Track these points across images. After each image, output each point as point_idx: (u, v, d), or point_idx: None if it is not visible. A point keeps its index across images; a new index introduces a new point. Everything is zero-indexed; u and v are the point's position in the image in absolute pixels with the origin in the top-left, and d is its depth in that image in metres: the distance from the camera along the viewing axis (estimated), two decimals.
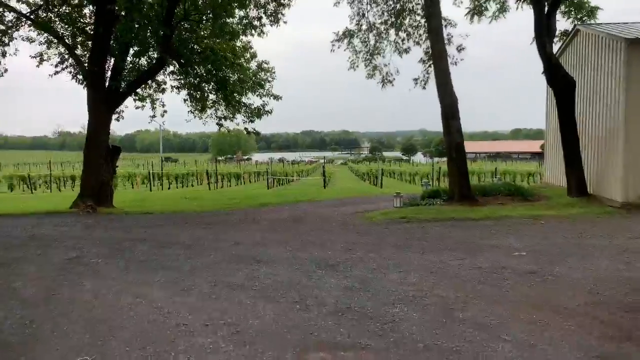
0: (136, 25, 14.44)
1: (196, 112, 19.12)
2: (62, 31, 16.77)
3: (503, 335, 4.48)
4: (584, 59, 15.21)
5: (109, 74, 16.53)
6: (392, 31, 17.40)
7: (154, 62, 16.67)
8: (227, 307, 5.34)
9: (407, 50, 17.80)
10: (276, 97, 19.16)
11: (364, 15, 18.12)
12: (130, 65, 17.30)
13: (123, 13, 15.30)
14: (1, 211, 15.00)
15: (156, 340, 4.49)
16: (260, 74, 19.00)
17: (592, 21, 16.49)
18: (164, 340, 4.49)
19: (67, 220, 12.45)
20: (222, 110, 19.33)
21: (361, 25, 18.15)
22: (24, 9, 16.28)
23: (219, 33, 15.75)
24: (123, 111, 18.29)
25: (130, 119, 22.12)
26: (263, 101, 18.91)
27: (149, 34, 15.17)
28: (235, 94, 18.08)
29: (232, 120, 19.45)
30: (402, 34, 17.34)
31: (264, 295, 5.71)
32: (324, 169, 32.68)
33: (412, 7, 16.96)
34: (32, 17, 16.06)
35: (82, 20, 17.01)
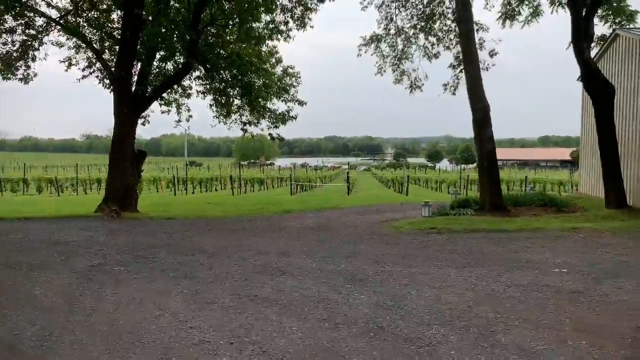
0: (163, 30, 14.42)
1: (221, 117, 19.07)
2: (90, 36, 16.92)
3: None
4: (623, 64, 14.58)
5: (135, 78, 16.60)
6: (421, 35, 17.04)
7: (180, 66, 16.66)
8: (252, 323, 5.05)
9: (436, 55, 17.41)
10: (301, 103, 19.00)
11: (392, 19, 17.83)
12: (157, 70, 17.34)
13: (150, 18, 15.35)
14: (28, 214, 15.11)
15: (178, 359, 4.23)
16: (285, 79, 18.87)
17: (632, 25, 15.82)
18: (187, 359, 4.23)
19: (91, 225, 12.41)
20: (247, 116, 19.24)
21: (389, 30, 17.87)
22: (54, 14, 16.51)
23: (245, 38, 15.64)
24: (149, 115, 18.36)
25: (156, 123, 22.26)
26: (288, 106, 18.77)
27: (175, 38, 15.15)
28: (260, 99, 17.95)
29: (256, 126, 19.36)
30: (432, 39, 16.98)
31: (290, 311, 5.41)
32: (348, 176, 32.31)
33: (443, 11, 16.58)
34: (61, 22, 16.23)
35: (109, 25, 17.14)
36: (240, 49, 17.12)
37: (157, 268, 7.48)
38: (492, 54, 16.21)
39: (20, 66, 16.40)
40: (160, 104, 18.41)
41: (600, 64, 15.96)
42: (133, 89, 16.14)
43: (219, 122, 19.38)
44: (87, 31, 16.94)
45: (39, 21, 16.66)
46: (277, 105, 19.05)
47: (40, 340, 4.71)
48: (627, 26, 15.61)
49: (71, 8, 16.35)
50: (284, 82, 18.70)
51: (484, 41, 16.06)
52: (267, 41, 16.94)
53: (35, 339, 4.73)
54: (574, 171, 36.55)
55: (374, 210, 17.45)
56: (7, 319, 5.27)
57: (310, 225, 12.72)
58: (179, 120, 19.26)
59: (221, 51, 16.85)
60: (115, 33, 17.00)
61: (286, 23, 15.64)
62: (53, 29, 16.79)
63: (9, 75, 16.28)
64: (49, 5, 16.38)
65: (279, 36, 16.43)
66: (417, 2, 16.81)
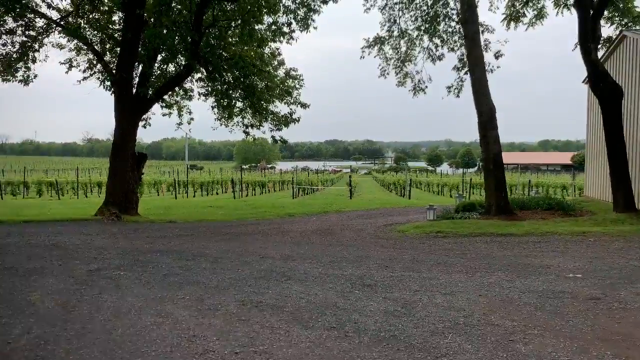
0: (164, 31, 14.24)
1: (223, 119, 18.87)
2: (91, 37, 16.74)
3: None
4: (631, 66, 14.37)
5: (136, 80, 16.42)
6: (425, 37, 16.85)
7: (182, 68, 16.47)
8: (257, 332, 4.82)
9: (440, 58, 17.23)
10: (304, 105, 18.81)
11: (395, 21, 17.66)
12: (158, 71, 17.16)
13: (152, 19, 15.18)
14: (28, 217, 14.90)
15: None
16: (288, 81, 18.67)
17: (638, 27, 15.65)
18: None
19: (91, 229, 12.20)
20: (249, 118, 19.05)
21: (392, 32, 17.69)
22: (54, 15, 16.34)
23: (248, 39, 15.45)
24: (150, 118, 18.19)
25: (157, 126, 22.09)
26: (290, 109, 18.57)
27: (177, 39, 14.96)
28: (262, 102, 17.76)
29: (258, 129, 19.15)
30: (437, 40, 16.77)
31: (297, 319, 5.18)
32: (350, 179, 32.09)
33: (447, 12, 16.40)
34: (62, 23, 16.06)
35: (111, 26, 16.96)
36: (242, 50, 16.94)
37: (159, 273, 7.25)
38: (497, 55, 16.01)
39: (20, 67, 16.21)
40: (162, 107, 18.23)
41: (606, 66, 15.76)
42: (134, 91, 15.97)
43: (221, 124, 19.20)
44: (88, 33, 16.76)
45: (40, 22, 16.50)
46: (280, 107, 18.89)
47: (35, 349, 4.48)
48: (634, 28, 15.44)
49: (72, 9, 16.19)
50: (286, 84, 18.51)
51: (490, 42, 15.88)
52: (270, 43, 16.77)
53: (30, 348, 4.49)
54: (576, 175, 36.34)
55: (378, 213, 17.24)
56: (1, 327, 5.04)
57: (314, 229, 12.49)
58: (180, 123, 19.09)
59: (223, 53, 16.67)
60: (116, 35, 16.84)
61: (289, 24, 15.48)
62: (53, 30, 16.63)
63: (8, 77, 16.09)
64: (49, 6, 16.22)
65: (282, 38, 16.25)
66: (421, 4, 16.64)
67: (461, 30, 15.96)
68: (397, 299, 5.88)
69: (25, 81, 16.53)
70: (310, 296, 5.99)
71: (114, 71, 15.81)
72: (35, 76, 16.52)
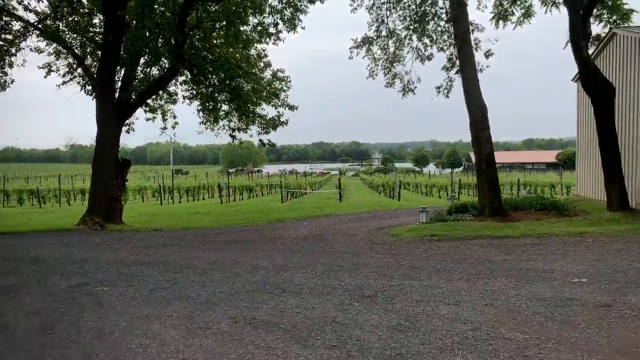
0: (147, 33, 13.77)
1: (208, 123, 18.43)
2: (70, 41, 16.21)
3: None
4: (621, 63, 14.28)
5: (119, 84, 15.94)
6: (414, 37, 16.61)
7: (166, 71, 16.00)
8: (252, 353, 4.45)
9: (429, 57, 17.00)
10: (291, 108, 18.44)
11: (383, 21, 17.41)
12: (141, 75, 16.67)
13: (134, 22, 14.71)
14: (6, 228, 14.32)
15: None
16: (275, 83, 18.30)
17: (626, 24, 15.59)
18: None
19: (73, 239, 11.69)
20: (235, 122, 18.63)
21: (380, 32, 17.42)
22: (32, 18, 15.77)
23: (233, 41, 15.05)
24: (133, 123, 17.70)
25: (142, 131, 21.58)
26: (278, 112, 18.19)
27: (160, 42, 14.50)
28: (249, 105, 17.35)
29: (245, 132, 18.74)
30: (426, 40, 16.54)
31: (294, 337, 4.81)
32: (340, 182, 31.76)
33: (436, 11, 16.18)
34: (40, 26, 15.51)
35: (91, 29, 16.44)
36: (227, 52, 16.54)
37: (144, 288, 6.83)
38: (488, 54, 15.84)
39: None
40: (145, 111, 17.73)
41: (596, 64, 15.66)
42: (117, 95, 15.47)
43: (206, 128, 18.75)
44: (68, 36, 16.22)
45: (16, 25, 15.95)
46: (267, 110, 18.51)
47: None
48: (623, 25, 15.37)
49: (50, 12, 15.63)
50: (273, 86, 18.14)
51: (480, 41, 15.69)
52: (256, 44, 16.39)
53: None
54: (563, 173, 36.51)
55: (369, 217, 16.96)
56: None
57: (305, 235, 12.14)
58: (165, 128, 18.59)
59: (208, 55, 16.24)
60: (97, 38, 16.32)
61: (276, 25, 15.11)
62: (31, 33, 16.08)
63: None
64: (26, 9, 15.67)
65: (268, 39, 15.88)
66: (409, 3, 16.40)
67: (450, 29, 15.76)
68: (399, 311, 5.55)
69: (2, 86, 15.95)
70: (307, 310, 5.63)
71: (95, 75, 15.30)
72: (12, 81, 15.97)
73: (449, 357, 4.27)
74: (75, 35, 16.34)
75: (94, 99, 15.36)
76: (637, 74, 13.28)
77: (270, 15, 15.37)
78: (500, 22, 17.26)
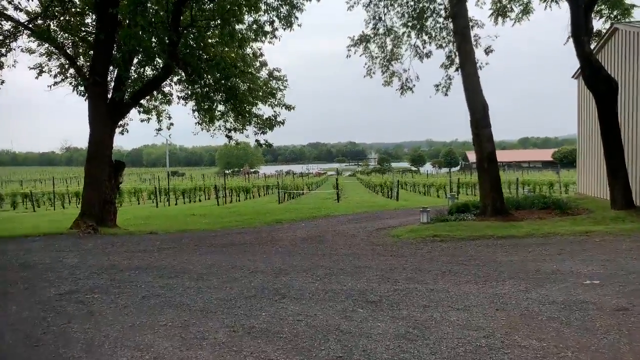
0: (140, 32, 13.43)
1: (204, 124, 18.10)
2: (62, 41, 15.85)
3: None
4: (624, 59, 14.05)
5: (112, 85, 15.59)
6: (412, 34, 16.33)
7: (160, 70, 15.66)
8: None
9: (428, 55, 16.73)
10: (288, 107, 18.13)
11: (380, 18, 17.12)
12: (135, 75, 16.32)
13: (127, 20, 14.36)
14: None
15: None
16: (271, 82, 17.98)
17: (627, 19, 15.39)
18: None
19: (64, 244, 11.35)
20: (231, 122, 18.31)
21: (378, 30, 17.14)
22: (22, 17, 15.40)
23: (228, 40, 14.72)
24: (127, 124, 17.36)
25: (137, 132, 21.21)
26: (275, 111, 17.88)
27: (154, 41, 14.16)
28: (245, 105, 17.03)
29: (242, 132, 18.42)
30: (424, 37, 16.26)
31: (296, 348, 4.52)
32: (337, 182, 31.46)
33: (435, 7, 15.90)
34: (30, 26, 15.15)
35: (83, 28, 16.08)
36: (223, 52, 16.21)
37: (137, 295, 6.52)
38: (488, 51, 15.57)
39: None
40: (139, 112, 17.37)
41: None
42: (110, 95, 15.13)
43: (202, 129, 18.41)
44: (59, 36, 15.86)
45: (6, 25, 15.56)
46: (263, 110, 18.20)
47: None
48: (623, 20, 15.16)
49: (40, 11, 15.27)
50: (269, 86, 17.82)
51: (479, 38, 15.43)
52: (251, 43, 16.06)
53: None
54: (560, 172, 36.32)
55: (368, 217, 16.67)
56: None
57: (304, 237, 11.84)
58: (160, 129, 18.23)
59: (203, 54, 15.90)
60: (89, 37, 15.96)
61: (272, 22, 14.79)
62: (21, 33, 15.69)
63: None
64: (16, 8, 15.29)
65: (264, 37, 15.56)
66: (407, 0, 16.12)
67: (450, 25, 15.50)
68: (406, 317, 5.26)
69: None
70: (309, 318, 5.34)
71: (87, 75, 14.95)
72: (3, 82, 15.58)
73: None
74: (67, 35, 15.97)
75: (87, 100, 15.01)
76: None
77: (266, 13, 15.07)
78: (499, 18, 17.02)
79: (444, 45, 16.28)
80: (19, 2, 15.15)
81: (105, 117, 14.72)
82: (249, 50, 17.05)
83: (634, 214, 12.31)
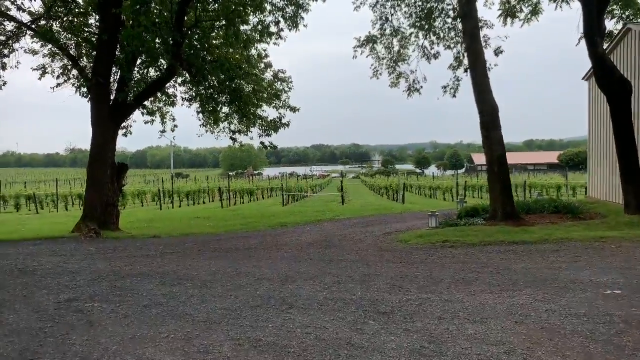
0: (143, 33, 13.22)
1: (208, 125, 17.90)
2: (65, 41, 15.67)
3: None
4: (637, 59, 13.73)
5: (115, 86, 15.39)
6: (420, 34, 16.06)
7: (164, 71, 15.46)
8: None
9: (436, 56, 16.47)
10: (293, 109, 17.92)
11: (387, 19, 16.87)
12: (138, 76, 16.13)
13: (130, 21, 14.17)
14: None
15: None
16: (276, 84, 17.77)
17: (639, 20, 15.08)
18: None
19: (66, 248, 11.12)
20: (236, 124, 18.11)
21: (384, 30, 16.89)
22: (25, 18, 15.23)
23: (233, 41, 14.50)
24: (131, 126, 17.16)
25: (141, 134, 21.07)
26: (279, 113, 17.67)
27: (157, 41, 13.96)
28: (249, 106, 16.80)
29: (246, 134, 18.21)
30: (432, 37, 15.99)
31: None
32: (342, 184, 31.20)
33: (443, 7, 15.62)
34: (33, 26, 14.97)
35: (86, 29, 15.89)
36: (227, 53, 16.00)
37: (138, 303, 6.27)
38: (497, 52, 15.28)
39: None
40: (143, 113, 17.20)
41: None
42: (113, 96, 14.93)
43: (206, 131, 18.21)
44: (62, 36, 15.69)
45: (9, 26, 15.41)
46: (268, 112, 17.98)
47: None
48: (636, 20, 14.86)
49: (43, 11, 15.09)
50: (274, 87, 17.60)
51: (489, 38, 15.15)
52: (256, 44, 15.84)
53: None
54: (567, 174, 35.97)
55: (374, 221, 16.40)
56: None
57: (310, 241, 11.58)
58: (164, 131, 18.08)
59: (207, 55, 15.69)
60: (92, 38, 15.77)
61: (277, 23, 14.57)
62: (24, 34, 15.54)
63: None
64: (19, 8, 15.12)
65: (269, 38, 15.34)
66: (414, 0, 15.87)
67: (458, 26, 15.24)
68: (420, 330, 4.99)
69: None
70: (318, 330, 5.07)
71: (90, 76, 14.75)
72: (5, 83, 15.42)
73: None
74: (70, 35, 15.81)
75: (89, 101, 14.82)
76: None
77: (271, 14, 14.86)
78: (508, 19, 16.75)
79: (452, 46, 16.02)
80: (22, 3, 15.01)
81: (108, 118, 14.52)
82: (253, 52, 16.85)
83: None
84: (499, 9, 16.64)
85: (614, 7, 15.34)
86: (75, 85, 16.06)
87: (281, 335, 4.96)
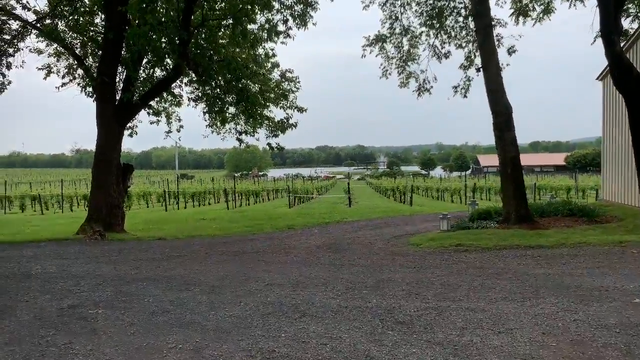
0: (149, 32, 13.00)
1: (215, 126, 17.68)
2: (70, 40, 15.50)
3: None
4: None
5: (121, 86, 15.21)
6: (431, 33, 15.77)
7: (170, 71, 15.24)
8: None
9: (447, 55, 16.17)
10: (300, 110, 17.70)
11: (397, 18, 16.58)
12: (144, 75, 15.92)
13: (136, 20, 13.96)
14: (2, 237, 13.57)
15: None
16: (283, 84, 17.53)
17: None
18: None
19: (70, 251, 10.90)
20: (242, 125, 17.89)
21: (394, 29, 16.61)
22: (31, 17, 15.07)
23: (241, 40, 14.26)
24: (136, 126, 16.97)
25: (147, 135, 20.89)
26: (287, 114, 17.43)
27: (164, 40, 13.74)
28: (256, 107, 16.57)
29: (253, 135, 17.98)
30: (443, 36, 15.69)
31: None
32: (349, 186, 30.91)
33: (454, 6, 15.33)
34: (38, 25, 14.81)
35: (92, 28, 15.71)
36: (234, 52, 15.77)
37: (144, 310, 6.01)
38: (511, 51, 14.96)
39: None
40: (149, 114, 17.00)
41: None
42: (118, 96, 14.73)
43: (212, 131, 18.01)
44: (68, 35, 15.51)
45: (14, 25, 15.26)
46: (275, 112, 17.75)
47: None
48: None
49: (48, 10, 14.92)
50: (282, 87, 17.37)
51: (502, 37, 14.84)
52: (264, 43, 15.60)
53: None
54: (576, 176, 35.54)
55: (383, 223, 16.10)
56: None
57: (319, 245, 11.31)
58: (169, 131, 17.86)
59: (214, 55, 15.46)
60: (98, 37, 15.59)
61: (285, 21, 14.33)
62: (29, 33, 15.38)
63: None
64: (25, 7, 14.97)
65: (277, 37, 15.10)
66: None
67: (470, 24, 14.95)
68: (442, 342, 4.70)
69: (0, 88, 15.25)
70: (333, 341, 4.79)
71: (95, 76, 14.56)
72: (10, 82, 15.27)
73: None
74: (76, 34, 15.63)
75: (95, 101, 14.63)
76: None
77: (279, 12, 14.63)
78: (520, 18, 16.42)
79: (463, 45, 15.72)
80: (27, 1, 14.84)
81: (113, 118, 14.32)
82: (260, 51, 16.63)
83: None
84: (511, 8, 16.32)
85: (630, 5, 15.00)
86: (81, 85, 15.91)
87: (295, 346, 4.69)
